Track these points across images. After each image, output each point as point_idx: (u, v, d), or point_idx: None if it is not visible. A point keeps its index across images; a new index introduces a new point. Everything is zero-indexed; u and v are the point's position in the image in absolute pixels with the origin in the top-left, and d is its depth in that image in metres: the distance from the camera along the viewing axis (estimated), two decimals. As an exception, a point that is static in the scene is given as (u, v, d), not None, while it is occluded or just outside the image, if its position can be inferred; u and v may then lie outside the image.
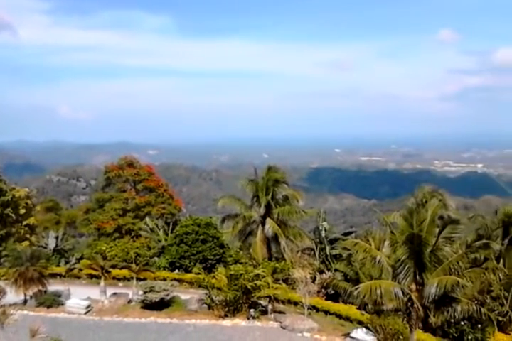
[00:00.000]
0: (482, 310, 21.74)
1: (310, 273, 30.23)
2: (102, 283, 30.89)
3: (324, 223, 38.12)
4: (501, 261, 28.10)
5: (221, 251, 36.90)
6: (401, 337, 21.81)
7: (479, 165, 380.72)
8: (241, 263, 32.71)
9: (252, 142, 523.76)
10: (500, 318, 23.88)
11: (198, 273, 31.77)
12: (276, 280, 28.90)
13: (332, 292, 31.54)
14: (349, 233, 39.52)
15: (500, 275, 25.28)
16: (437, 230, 22.48)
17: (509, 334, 23.30)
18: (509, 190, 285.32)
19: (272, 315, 27.12)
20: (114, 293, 31.04)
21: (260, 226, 37.96)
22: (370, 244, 24.92)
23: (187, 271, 35.91)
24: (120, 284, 35.00)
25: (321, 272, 33.36)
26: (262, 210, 38.10)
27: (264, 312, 27.32)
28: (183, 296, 30.46)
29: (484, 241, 25.74)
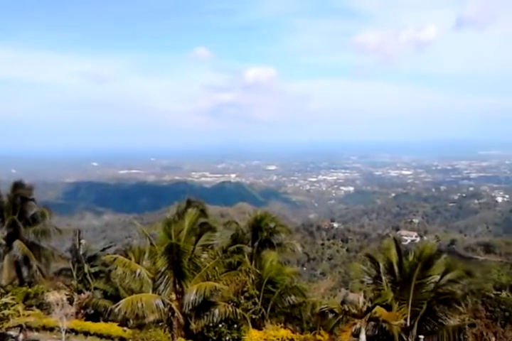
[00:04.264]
0: (237, 310, 23.08)
1: (67, 295, 28.46)
2: None
3: (82, 241, 36.42)
4: (253, 262, 30.27)
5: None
6: (163, 347, 21.81)
7: (233, 175, 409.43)
8: (-15, 292, 29.00)
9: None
10: (254, 316, 25.67)
11: None
12: (28, 307, 26.40)
13: (92, 311, 30.15)
14: (108, 248, 38.45)
15: (253, 276, 27.16)
16: (195, 238, 23.23)
17: (262, 329, 25.15)
18: (259, 197, 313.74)
19: (25, 346, 24.65)
20: None
21: (7, 249, 34.38)
22: (130, 258, 24.43)
23: None
24: None
25: (80, 292, 31.66)
26: (8, 231, 34.59)
27: (16, 344, 24.67)
28: None
29: (238, 245, 27.39)
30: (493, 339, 34.19)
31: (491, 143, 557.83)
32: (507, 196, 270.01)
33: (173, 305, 21.74)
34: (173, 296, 22.41)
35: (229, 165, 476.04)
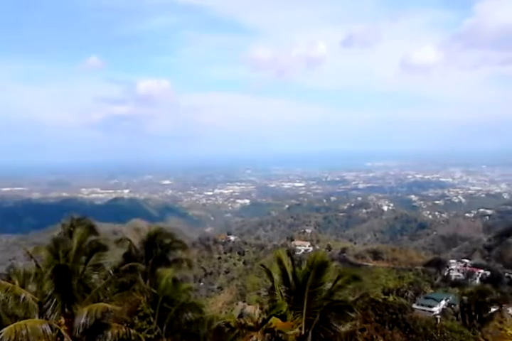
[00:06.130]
0: (132, 331, 22.30)
1: None
2: None
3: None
4: (148, 280, 29.56)
5: None
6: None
7: (126, 191, 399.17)
8: None
9: None
10: (149, 335, 24.94)
11: None
12: None
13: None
14: (-12, 273, 35.58)
15: (148, 294, 26.45)
16: (85, 258, 22.26)
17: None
18: (155, 212, 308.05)
19: None
20: None
21: None
22: (13, 282, 22.84)
23: None
24: None
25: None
26: None
27: None
28: None
29: (131, 263, 26.60)
30: (382, 341, 36.00)
31: (376, 154, 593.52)
32: (392, 205, 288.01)
33: (62, 330, 20.59)
34: (62, 320, 21.24)
35: (122, 180, 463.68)
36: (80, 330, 20.73)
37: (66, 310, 21.19)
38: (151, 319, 25.21)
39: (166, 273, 28.29)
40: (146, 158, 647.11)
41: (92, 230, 31.59)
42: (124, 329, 21.83)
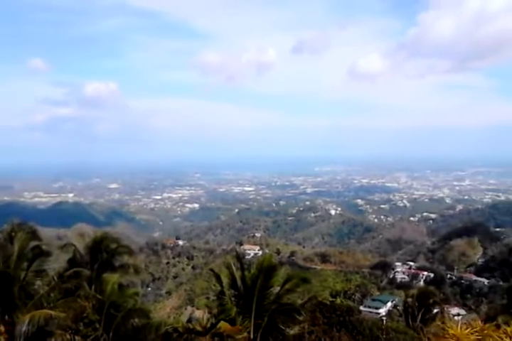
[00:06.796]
0: (77, 338, 21.74)
1: None
2: None
3: None
4: (93, 286, 28.84)
5: None
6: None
7: (70, 195, 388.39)
8: None
9: None
10: (93, 343, 24.38)
11: None
12: None
13: None
14: None
15: (93, 300, 25.79)
16: (27, 264, 21.54)
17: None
18: (100, 217, 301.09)
19: None
20: None
21: None
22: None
23: None
24: None
25: None
26: None
27: None
28: None
29: (75, 269, 25.92)
30: (330, 343, 36.47)
31: (324, 160, 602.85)
32: (339, 209, 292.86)
33: (2, 338, 19.83)
34: (2, 328, 20.45)
35: (66, 183, 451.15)
36: (22, 338, 19.99)
37: (6, 317, 20.44)
38: (97, 325, 24.60)
39: (112, 279, 27.70)
40: (94, 161, 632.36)
41: (34, 235, 30.56)
42: (68, 337, 21.27)
